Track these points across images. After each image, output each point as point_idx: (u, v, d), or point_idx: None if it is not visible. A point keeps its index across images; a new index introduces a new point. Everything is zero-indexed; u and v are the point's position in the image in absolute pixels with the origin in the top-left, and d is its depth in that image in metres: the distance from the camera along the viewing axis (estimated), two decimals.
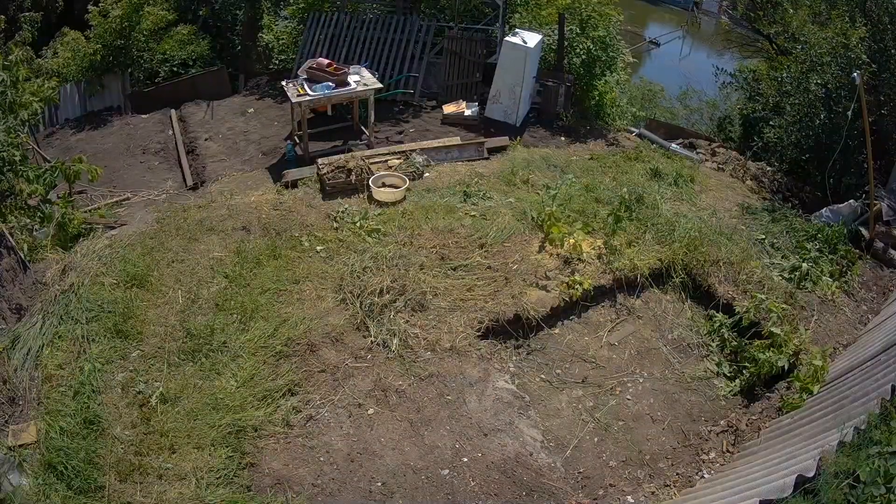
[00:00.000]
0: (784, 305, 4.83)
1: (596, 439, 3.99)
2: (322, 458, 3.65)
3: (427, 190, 6.19)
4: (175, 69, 10.35)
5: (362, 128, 7.55)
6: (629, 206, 5.78)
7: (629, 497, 3.69)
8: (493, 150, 7.26)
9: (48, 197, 5.30)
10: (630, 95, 10.48)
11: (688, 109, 12.90)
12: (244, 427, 3.75)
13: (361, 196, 6.08)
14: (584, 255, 5.22)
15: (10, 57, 5.34)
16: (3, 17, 7.88)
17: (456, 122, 8.04)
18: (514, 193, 6.17)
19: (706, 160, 8.02)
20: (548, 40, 8.55)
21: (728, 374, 4.59)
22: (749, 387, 4.48)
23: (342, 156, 6.45)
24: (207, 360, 4.19)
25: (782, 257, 5.67)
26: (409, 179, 6.24)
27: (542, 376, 4.36)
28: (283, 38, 10.05)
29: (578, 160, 7.27)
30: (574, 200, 5.97)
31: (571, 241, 5.28)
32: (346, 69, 7.10)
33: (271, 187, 6.41)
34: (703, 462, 3.96)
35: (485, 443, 3.81)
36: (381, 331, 4.42)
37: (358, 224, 5.55)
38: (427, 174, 6.56)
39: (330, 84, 6.78)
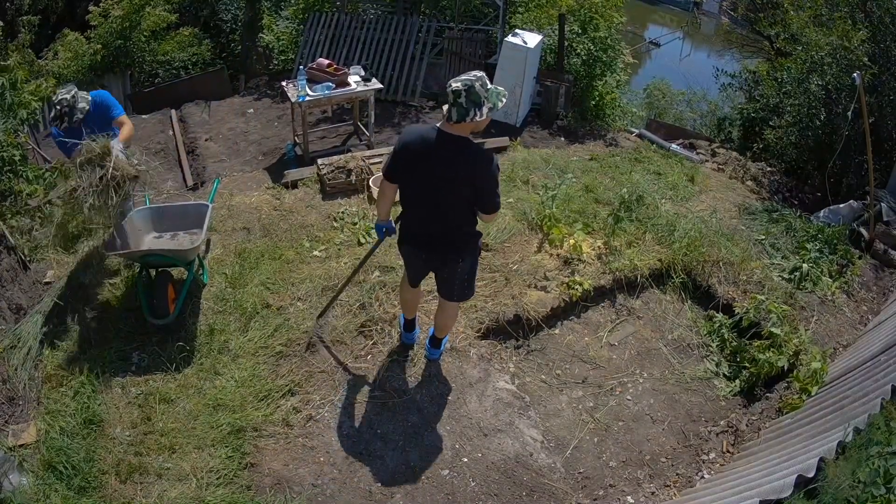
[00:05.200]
0: (784, 306, 4.83)
1: (596, 440, 3.99)
2: (322, 459, 3.65)
3: None
4: (175, 72, 10.40)
5: (362, 128, 7.55)
6: (629, 206, 5.78)
7: (629, 497, 3.69)
8: (494, 151, 7.26)
9: (48, 197, 5.30)
10: (635, 94, 10.48)
11: (694, 113, 12.94)
12: (244, 427, 3.74)
13: (361, 196, 6.08)
14: (584, 255, 5.22)
15: (10, 60, 5.35)
16: (1, 22, 7.89)
17: None
18: (513, 194, 6.17)
19: (706, 161, 8.03)
20: (548, 41, 8.57)
21: (728, 375, 4.59)
22: (749, 387, 4.47)
23: (342, 156, 6.45)
24: (207, 360, 4.19)
25: (782, 258, 5.67)
26: None
27: (543, 377, 4.36)
28: (283, 39, 10.07)
29: (578, 160, 7.28)
30: (574, 201, 5.97)
31: (571, 241, 5.28)
32: (346, 70, 7.11)
33: (271, 188, 6.41)
34: (704, 462, 3.96)
35: (485, 443, 3.81)
36: (381, 331, 4.42)
37: (358, 224, 5.56)
38: None
39: (330, 84, 6.78)
